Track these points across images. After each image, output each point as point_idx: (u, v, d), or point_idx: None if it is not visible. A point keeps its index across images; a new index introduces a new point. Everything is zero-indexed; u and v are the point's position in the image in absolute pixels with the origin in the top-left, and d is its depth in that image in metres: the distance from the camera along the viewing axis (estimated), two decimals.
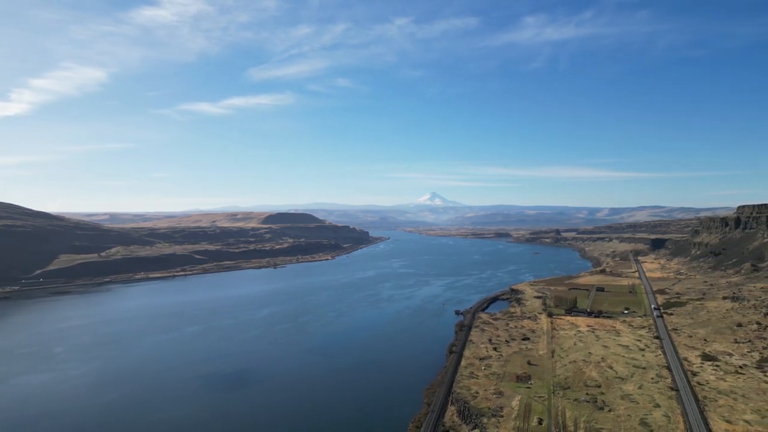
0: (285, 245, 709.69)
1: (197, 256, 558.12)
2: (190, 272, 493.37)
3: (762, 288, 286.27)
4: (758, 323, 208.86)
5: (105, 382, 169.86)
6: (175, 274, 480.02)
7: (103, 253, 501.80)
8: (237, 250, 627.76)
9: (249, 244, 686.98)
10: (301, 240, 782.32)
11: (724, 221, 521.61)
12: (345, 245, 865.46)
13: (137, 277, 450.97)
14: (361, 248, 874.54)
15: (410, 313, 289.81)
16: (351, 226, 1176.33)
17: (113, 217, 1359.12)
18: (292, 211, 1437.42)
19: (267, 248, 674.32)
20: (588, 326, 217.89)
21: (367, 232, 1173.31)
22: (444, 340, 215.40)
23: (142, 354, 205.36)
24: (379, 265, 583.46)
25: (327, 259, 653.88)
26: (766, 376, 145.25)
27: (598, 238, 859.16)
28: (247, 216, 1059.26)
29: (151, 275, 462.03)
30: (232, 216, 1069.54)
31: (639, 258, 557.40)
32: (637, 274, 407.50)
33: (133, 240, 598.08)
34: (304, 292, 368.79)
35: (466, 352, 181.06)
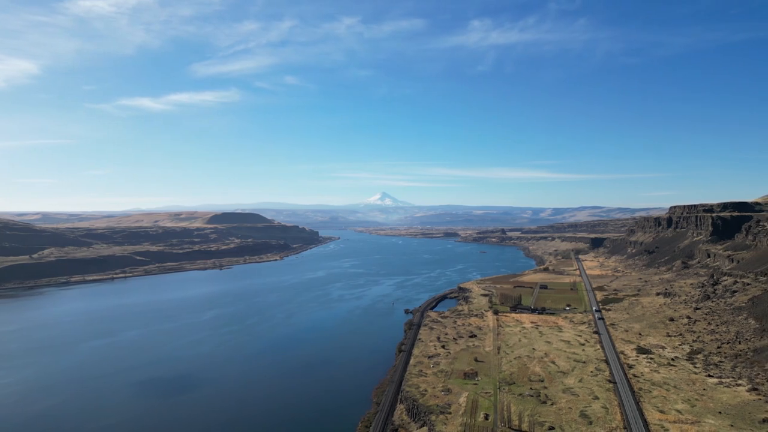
0: (231, 246, 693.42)
1: (138, 258, 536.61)
2: (130, 274, 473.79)
3: (691, 284, 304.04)
4: (688, 317, 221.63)
5: (37, 390, 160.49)
6: (115, 276, 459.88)
7: (35, 255, 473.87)
8: (181, 251, 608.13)
9: (193, 245, 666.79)
10: (249, 240, 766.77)
11: (658, 221, 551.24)
12: (294, 245, 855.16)
13: (73, 279, 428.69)
14: (310, 248, 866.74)
15: (360, 312, 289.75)
16: (300, 226, 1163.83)
17: (46, 216, 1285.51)
18: (239, 211, 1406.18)
19: (212, 249, 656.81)
20: (532, 323, 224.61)
21: (317, 232, 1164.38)
22: (394, 339, 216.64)
23: (78, 360, 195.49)
24: (329, 265, 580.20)
25: (275, 260, 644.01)
26: (695, 367, 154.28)
27: (542, 238, 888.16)
28: (192, 216, 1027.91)
29: (89, 278, 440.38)
30: (176, 216, 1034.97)
31: (580, 256, 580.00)
32: (578, 272, 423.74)
33: (68, 241, 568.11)
34: (251, 294, 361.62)
35: (415, 351, 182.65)
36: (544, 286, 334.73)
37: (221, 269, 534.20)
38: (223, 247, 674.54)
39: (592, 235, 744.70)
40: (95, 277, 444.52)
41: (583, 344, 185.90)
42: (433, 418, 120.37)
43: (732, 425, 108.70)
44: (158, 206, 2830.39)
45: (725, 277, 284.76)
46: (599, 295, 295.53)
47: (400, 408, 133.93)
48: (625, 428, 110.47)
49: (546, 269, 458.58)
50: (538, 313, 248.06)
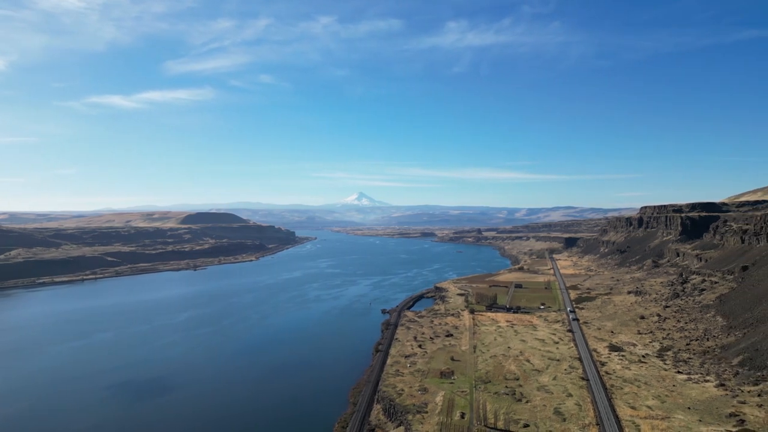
0: (206, 246, 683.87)
1: (109, 258, 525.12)
2: (101, 275, 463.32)
3: (661, 282, 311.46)
4: (658, 315, 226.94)
5: (4, 395, 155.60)
6: (85, 277, 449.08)
7: (1, 256, 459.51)
8: (154, 252, 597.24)
9: (167, 245, 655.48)
10: (224, 241, 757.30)
11: (629, 221, 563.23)
12: (270, 246, 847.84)
13: (41, 281, 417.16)
14: (287, 249, 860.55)
15: (337, 313, 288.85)
16: (276, 226, 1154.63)
17: (13, 216, 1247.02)
18: (214, 211, 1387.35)
19: (186, 249, 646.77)
20: (507, 321, 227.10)
21: (294, 232, 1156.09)
22: (371, 339, 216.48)
23: (47, 363, 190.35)
24: (305, 265, 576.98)
25: (251, 260, 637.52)
26: (665, 364, 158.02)
27: (517, 237, 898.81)
28: (165, 216, 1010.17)
29: (57, 279, 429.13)
30: (149, 216, 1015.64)
31: (554, 256, 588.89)
32: (552, 271, 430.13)
33: (36, 241, 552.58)
34: (226, 295, 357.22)
35: (392, 351, 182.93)
36: (519, 286, 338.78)
37: (195, 270, 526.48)
38: (198, 248, 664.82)
39: (566, 235, 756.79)
40: (64, 279, 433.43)
41: (557, 342, 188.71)
42: (410, 417, 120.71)
43: (700, 420, 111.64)
44: (130, 206, 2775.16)
45: (694, 276, 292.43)
46: (573, 294, 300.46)
47: (377, 408, 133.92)
48: (597, 425, 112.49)
49: (521, 269, 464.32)
50: (514, 312, 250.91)
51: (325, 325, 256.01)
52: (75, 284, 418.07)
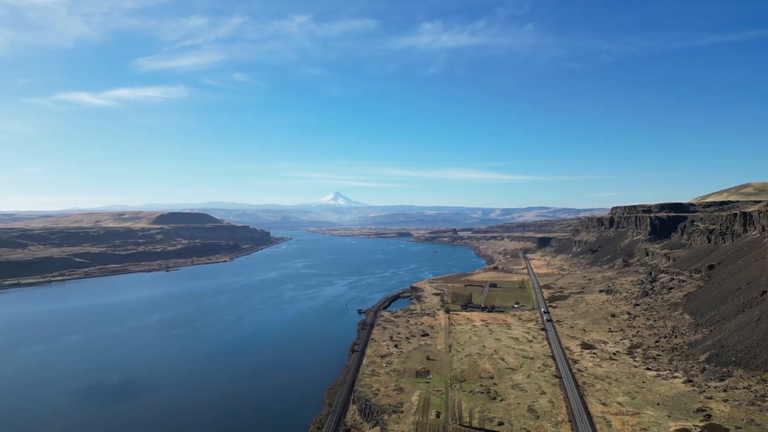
0: (179, 246, 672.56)
1: (78, 260, 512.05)
2: (69, 277, 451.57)
3: (631, 281, 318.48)
4: (628, 313, 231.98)
5: None
6: (52, 279, 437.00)
7: None
8: (124, 253, 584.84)
9: (138, 246, 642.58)
10: (197, 241, 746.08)
11: (600, 221, 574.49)
12: (244, 246, 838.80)
13: (7, 283, 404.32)
14: (262, 249, 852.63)
15: (313, 313, 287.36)
16: (251, 227, 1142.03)
17: None
18: (187, 211, 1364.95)
19: (158, 250, 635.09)
20: (482, 321, 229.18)
21: (269, 233, 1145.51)
22: (347, 340, 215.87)
23: (14, 367, 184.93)
24: (280, 266, 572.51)
25: (225, 261, 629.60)
26: (635, 361, 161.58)
27: (491, 237, 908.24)
28: (136, 216, 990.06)
29: (24, 281, 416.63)
30: (119, 216, 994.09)
31: (528, 255, 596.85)
32: (526, 271, 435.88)
33: (1, 242, 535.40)
34: (200, 296, 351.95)
35: (368, 351, 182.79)
36: (493, 285, 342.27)
37: (168, 271, 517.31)
38: (170, 248, 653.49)
39: (540, 235, 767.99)
40: (31, 281, 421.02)
41: (531, 341, 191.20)
42: (386, 417, 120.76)
43: (669, 416, 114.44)
44: (100, 206, 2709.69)
45: (662, 275, 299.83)
46: (546, 293, 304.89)
47: (352, 408, 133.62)
48: (570, 421, 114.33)
49: (496, 268, 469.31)
50: (488, 311, 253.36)
51: (301, 326, 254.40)
52: (42, 286, 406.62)
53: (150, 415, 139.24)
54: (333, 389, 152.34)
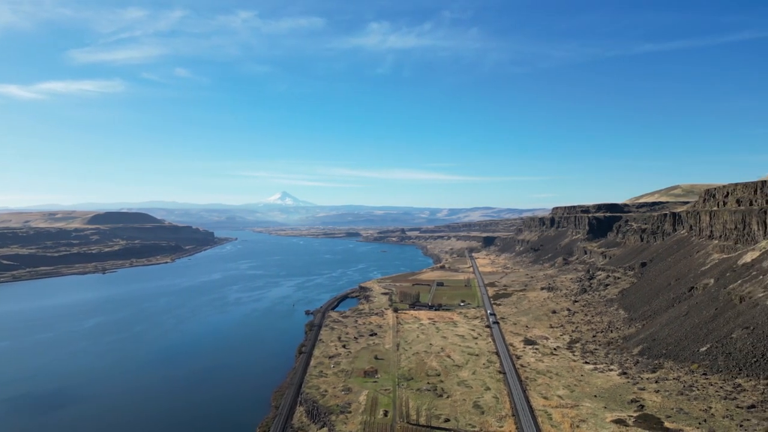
0: (116, 248, 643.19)
1: (5, 262, 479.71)
2: None
3: (571, 279, 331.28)
4: (568, 310, 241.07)
5: None
6: None
7: None
8: (56, 254, 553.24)
9: (71, 247, 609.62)
10: (136, 242, 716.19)
11: (542, 221, 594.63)
12: (187, 247, 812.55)
13: None
14: (205, 250, 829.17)
15: (259, 315, 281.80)
16: (194, 227, 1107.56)
17: None
18: (125, 210, 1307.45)
19: (94, 251, 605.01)
20: (429, 319, 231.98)
21: (212, 233, 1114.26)
22: (294, 341, 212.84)
23: None
24: (225, 267, 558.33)
25: (166, 262, 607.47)
26: (574, 355, 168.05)
27: (439, 237, 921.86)
28: (69, 215, 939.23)
29: None
30: (51, 215, 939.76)
31: (473, 254, 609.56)
32: (471, 269, 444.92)
33: None
34: (139, 299, 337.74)
35: (316, 352, 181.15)
36: (440, 284, 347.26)
37: (104, 273, 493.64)
38: (107, 249, 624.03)
39: (485, 234, 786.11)
40: None
41: (476, 338, 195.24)
42: (333, 418, 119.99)
43: (605, 407, 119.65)
44: (30, 205, 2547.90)
45: (599, 272, 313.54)
46: (491, 291, 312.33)
47: (299, 410, 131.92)
48: (513, 416, 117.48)
49: (443, 267, 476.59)
50: (435, 310, 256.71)
51: (246, 328, 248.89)
52: None
53: (84, 427, 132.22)
54: (279, 392, 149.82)
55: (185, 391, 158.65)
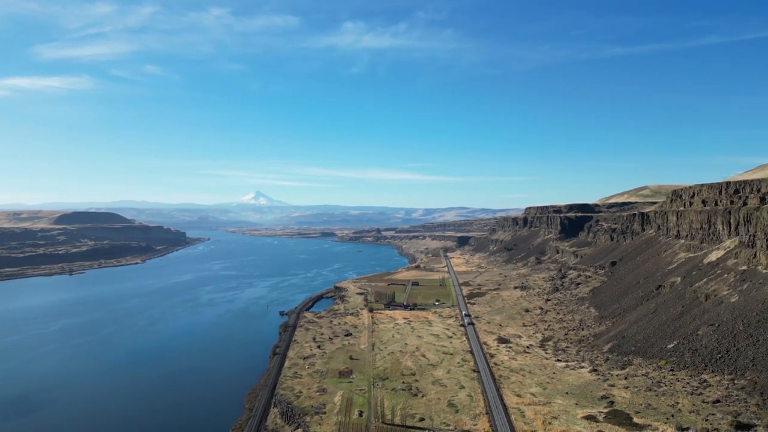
0: (84, 248, 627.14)
1: None
2: None
3: (543, 278, 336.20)
4: (541, 308, 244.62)
5: None
6: None
7: None
8: (21, 255, 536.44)
9: (37, 248, 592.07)
10: (105, 242, 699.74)
11: (515, 221, 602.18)
12: (158, 247, 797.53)
13: None
14: (176, 250, 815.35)
15: (232, 316, 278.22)
16: (165, 227, 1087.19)
17: None
18: (94, 210, 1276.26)
19: (61, 252, 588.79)
20: (404, 318, 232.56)
21: (184, 233, 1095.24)
22: (268, 342, 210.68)
23: None
24: (197, 267, 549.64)
25: (136, 263, 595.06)
26: (546, 353, 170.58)
27: (414, 237, 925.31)
28: (35, 215, 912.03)
29: None
30: (15, 215, 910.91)
31: (448, 254, 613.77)
32: (446, 269, 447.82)
33: None
34: (108, 301, 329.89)
35: (290, 353, 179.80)
36: (415, 283, 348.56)
37: (71, 274, 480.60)
38: (74, 250, 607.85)
39: (459, 234, 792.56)
40: None
41: (451, 337, 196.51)
42: (308, 419, 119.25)
43: (577, 404, 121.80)
44: None
45: (571, 271, 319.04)
46: (465, 290, 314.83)
47: (273, 412, 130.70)
48: (487, 414, 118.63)
49: (418, 267, 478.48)
50: (410, 309, 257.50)
51: (219, 330, 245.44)
52: None
53: (51, 430, 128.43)
54: (253, 393, 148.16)
55: (156, 394, 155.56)
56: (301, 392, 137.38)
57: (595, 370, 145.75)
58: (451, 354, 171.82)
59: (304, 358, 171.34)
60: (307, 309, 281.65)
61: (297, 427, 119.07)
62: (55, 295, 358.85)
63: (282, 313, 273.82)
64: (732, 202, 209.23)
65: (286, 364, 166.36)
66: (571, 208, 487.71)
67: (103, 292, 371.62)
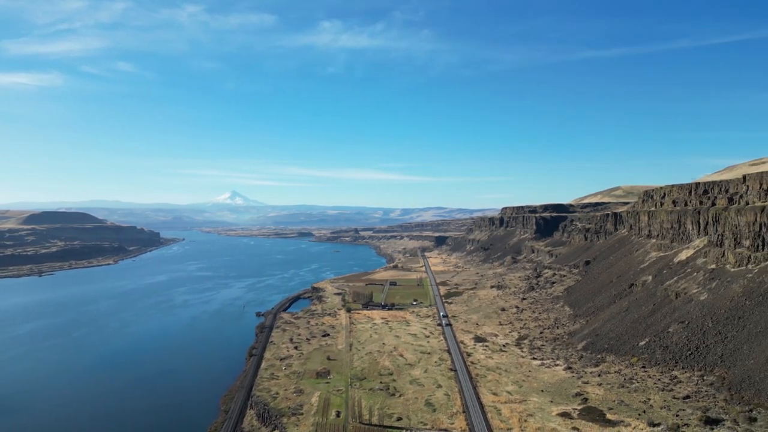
0: (54, 249, 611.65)
1: None
2: None
3: (519, 277, 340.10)
4: (517, 307, 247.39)
5: None
6: None
7: None
8: None
9: (5, 249, 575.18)
10: (75, 243, 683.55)
11: (492, 221, 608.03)
12: (131, 248, 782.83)
13: None
14: (150, 251, 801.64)
15: (208, 318, 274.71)
16: (138, 227, 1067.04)
17: None
18: (64, 210, 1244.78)
19: (29, 253, 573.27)
20: (382, 318, 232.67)
21: (158, 233, 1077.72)
22: (244, 344, 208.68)
23: None
24: (171, 268, 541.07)
25: (108, 264, 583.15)
26: (522, 352, 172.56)
27: (392, 237, 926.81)
28: (3, 215, 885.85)
29: None
30: None
31: (426, 254, 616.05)
32: (424, 269, 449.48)
33: None
34: (79, 302, 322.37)
35: (267, 354, 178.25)
36: (393, 283, 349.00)
37: (41, 276, 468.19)
38: (44, 251, 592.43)
39: (437, 234, 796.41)
40: None
41: (428, 336, 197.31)
42: (285, 420, 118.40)
43: (552, 401, 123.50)
44: None
45: (546, 270, 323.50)
46: (443, 290, 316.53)
47: (250, 414, 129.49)
48: (464, 412, 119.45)
49: (395, 267, 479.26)
50: (388, 309, 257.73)
51: (195, 332, 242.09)
52: None
53: None
54: (229, 395, 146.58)
55: (130, 398, 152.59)
56: (278, 393, 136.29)
57: (570, 368, 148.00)
58: (429, 353, 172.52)
59: (281, 359, 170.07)
60: (284, 310, 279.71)
61: (274, 429, 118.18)
62: (25, 297, 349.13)
63: (258, 314, 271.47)
64: (701, 203, 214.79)
65: (263, 365, 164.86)
66: (546, 208, 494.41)
67: (74, 293, 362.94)
